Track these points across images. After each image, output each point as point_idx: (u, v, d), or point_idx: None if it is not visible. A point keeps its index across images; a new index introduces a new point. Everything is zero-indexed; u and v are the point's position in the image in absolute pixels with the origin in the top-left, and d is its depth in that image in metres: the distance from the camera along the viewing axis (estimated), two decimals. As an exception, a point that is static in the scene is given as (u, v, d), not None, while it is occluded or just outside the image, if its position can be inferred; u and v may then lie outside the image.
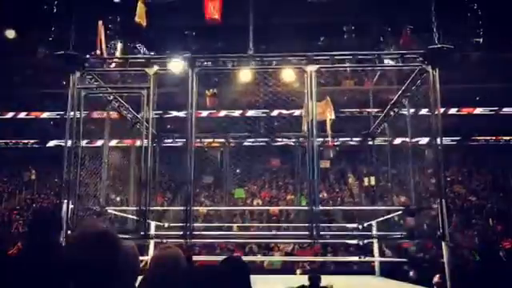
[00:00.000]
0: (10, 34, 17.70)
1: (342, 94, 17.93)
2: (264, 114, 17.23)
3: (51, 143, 20.20)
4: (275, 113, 16.76)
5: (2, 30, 17.65)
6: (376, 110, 10.88)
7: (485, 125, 19.19)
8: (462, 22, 16.69)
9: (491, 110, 19.12)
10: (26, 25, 17.41)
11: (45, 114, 20.16)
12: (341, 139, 11.87)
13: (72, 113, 6.82)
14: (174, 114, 17.64)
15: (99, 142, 10.05)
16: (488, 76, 17.12)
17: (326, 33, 19.11)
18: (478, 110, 19.22)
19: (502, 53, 16.93)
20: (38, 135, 20.72)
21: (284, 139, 11.45)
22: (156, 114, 9.42)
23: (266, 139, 11.95)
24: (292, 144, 11.40)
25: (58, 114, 19.05)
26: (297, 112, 13.36)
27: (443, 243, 5.92)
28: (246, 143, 12.35)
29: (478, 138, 19.45)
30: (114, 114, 8.84)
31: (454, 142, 17.94)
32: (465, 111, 19.01)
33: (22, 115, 20.12)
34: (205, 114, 16.36)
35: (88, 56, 7.35)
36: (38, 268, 2.02)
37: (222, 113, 18.06)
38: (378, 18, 17.45)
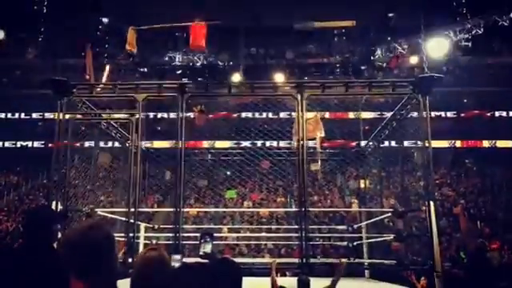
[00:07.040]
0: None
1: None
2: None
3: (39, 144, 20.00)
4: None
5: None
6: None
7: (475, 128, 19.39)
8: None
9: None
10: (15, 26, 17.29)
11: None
12: (333, 158, 11.95)
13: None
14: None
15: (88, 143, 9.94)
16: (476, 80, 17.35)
17: (315, 36, 19.23)
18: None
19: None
20: (25, 136, 20.51)
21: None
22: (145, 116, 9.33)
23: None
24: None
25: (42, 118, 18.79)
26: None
27: (435, 275, 5.81)
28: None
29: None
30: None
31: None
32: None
33: (9, 115, 19.90)
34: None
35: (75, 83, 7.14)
36: (24, 267, 2.01)
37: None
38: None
